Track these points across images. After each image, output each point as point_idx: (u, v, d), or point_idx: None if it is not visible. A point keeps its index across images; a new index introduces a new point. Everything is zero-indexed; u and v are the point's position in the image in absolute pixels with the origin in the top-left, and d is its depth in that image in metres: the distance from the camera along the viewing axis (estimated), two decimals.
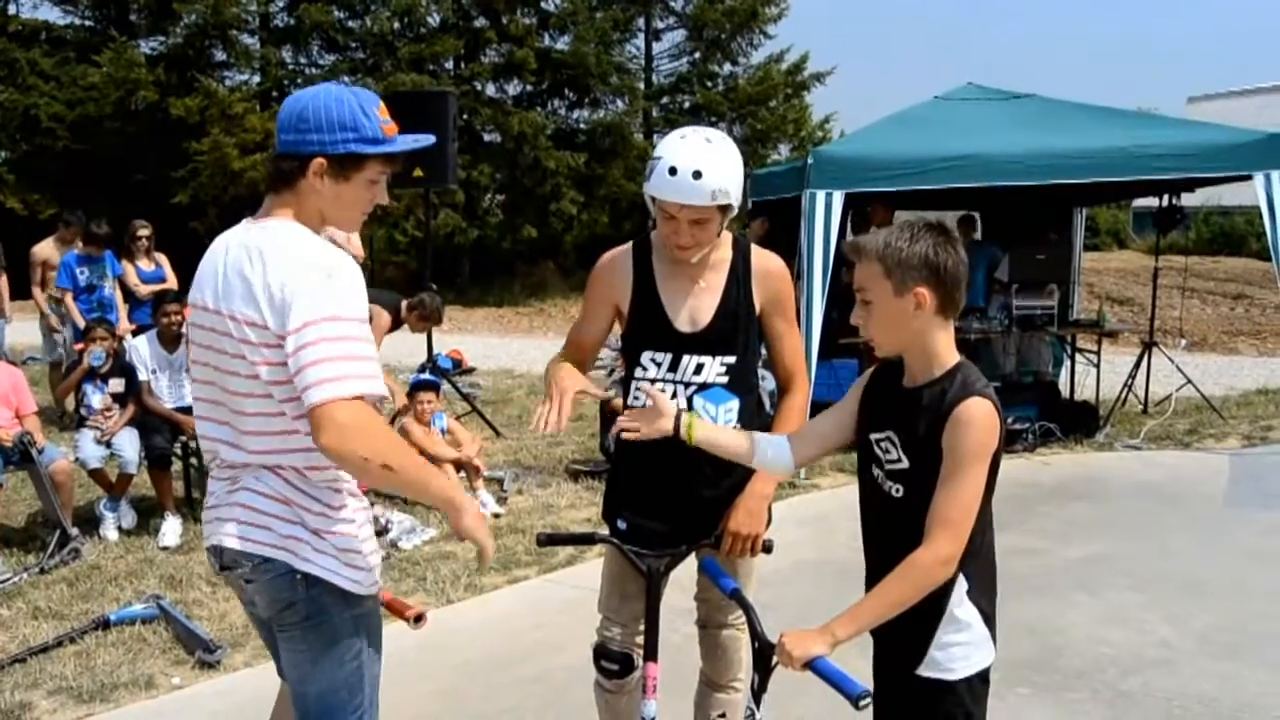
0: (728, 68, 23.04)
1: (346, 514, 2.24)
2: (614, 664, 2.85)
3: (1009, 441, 7.79)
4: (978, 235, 9.74)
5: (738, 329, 2.72)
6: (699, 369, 2.72)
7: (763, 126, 21.95)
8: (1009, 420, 8.04)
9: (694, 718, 3.10)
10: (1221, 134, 7.97)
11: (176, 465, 6.31)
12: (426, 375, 7.03)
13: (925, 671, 2.16)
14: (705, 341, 2.70)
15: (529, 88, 22.18)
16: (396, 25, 21.31)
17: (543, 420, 2.46)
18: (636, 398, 2.74)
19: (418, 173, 8.16)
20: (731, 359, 2.72)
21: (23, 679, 4.13)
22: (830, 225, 7.30)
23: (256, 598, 2.26)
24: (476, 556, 2.42)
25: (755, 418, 2.81)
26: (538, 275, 21.71)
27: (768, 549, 2.76)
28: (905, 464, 2.13)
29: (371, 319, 7.22)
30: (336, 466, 2.13)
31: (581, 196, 20.91)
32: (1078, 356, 9.50)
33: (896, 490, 2.15)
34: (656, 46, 23.50)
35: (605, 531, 2.87)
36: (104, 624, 4.57)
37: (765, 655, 2.20)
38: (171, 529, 5.83)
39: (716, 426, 2.58)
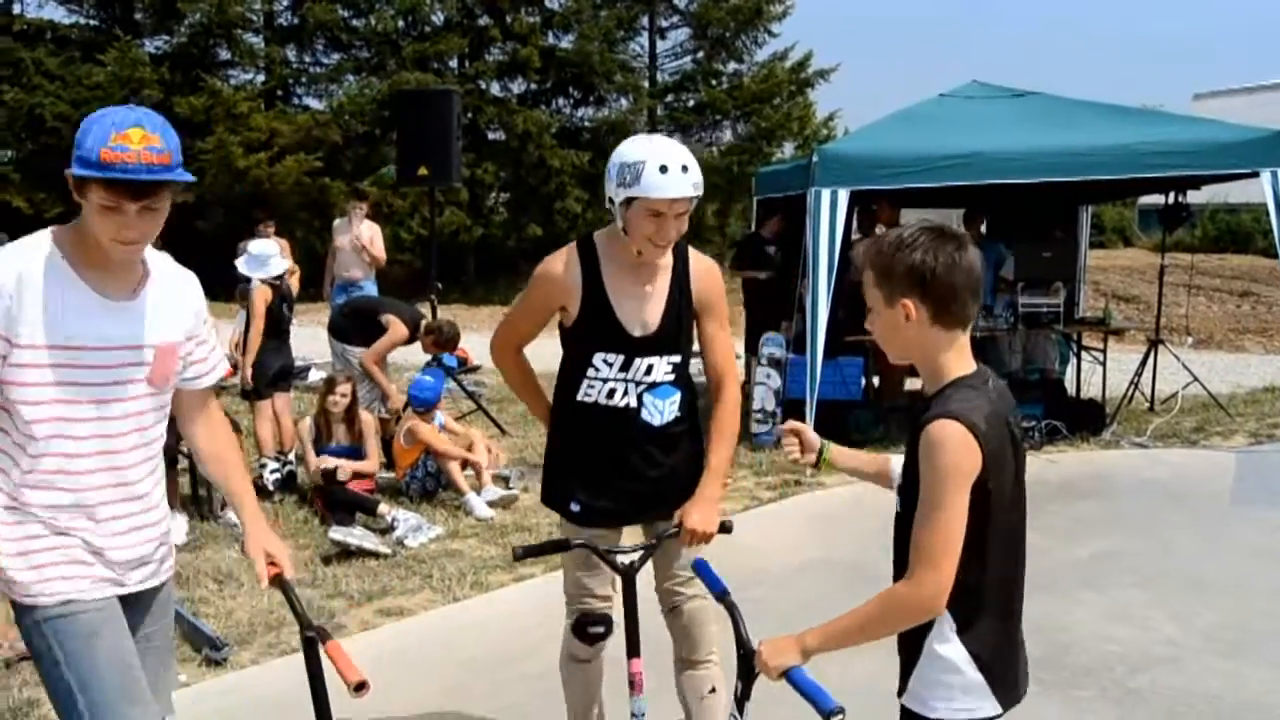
0: (732, 66, 23.02)
1: None
2: (600, 626, 2.98)
3: None
4: (983, 231, 9.72)
5: (681, 330, 2.92)
6: (649, 369, 2.90)
7: (767, 124, 21.91)
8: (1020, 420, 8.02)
9: (683, 701, 3.16)
10: (1227, 131, 7.95)
11: (182, 463, 6.31)
12: (429, 379, 7.03)
13: (906, 700, 2.09)
14: (654, 344, 2.87)
15: (533, 86, 22.18)
16: (401, 24, 21.34)
17: None
18: (588, 394, 2.91)
19: (423, 171, 8.18)
20: (677, 358, 2.92)
21: (30, 676, 4.13)
22: (835, 223, 7.30)
23: None
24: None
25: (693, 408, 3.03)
26: None
27: (727, 529, 2.93)
28: (901, 480, 2.11)
29: (388, 328, 7.22)
30: None
31: (586, 195, 20.90)
32: (1084, 354, 9.48)
33: (897, 505, 2.10)
34: (661, 45, 23.51)
35: (577, 518, 2.99)
36: None
37: (749, 661, 2.16)
38: (178, 527, 5.84)
39: (853, 453, 2.57)
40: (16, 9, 21.47)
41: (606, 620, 3.01)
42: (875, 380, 8.75)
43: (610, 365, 2.87)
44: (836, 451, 2.49)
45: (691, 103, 22.88)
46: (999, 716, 2.04)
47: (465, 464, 6.60)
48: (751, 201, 10.86)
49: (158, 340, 2.36)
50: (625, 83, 22.07)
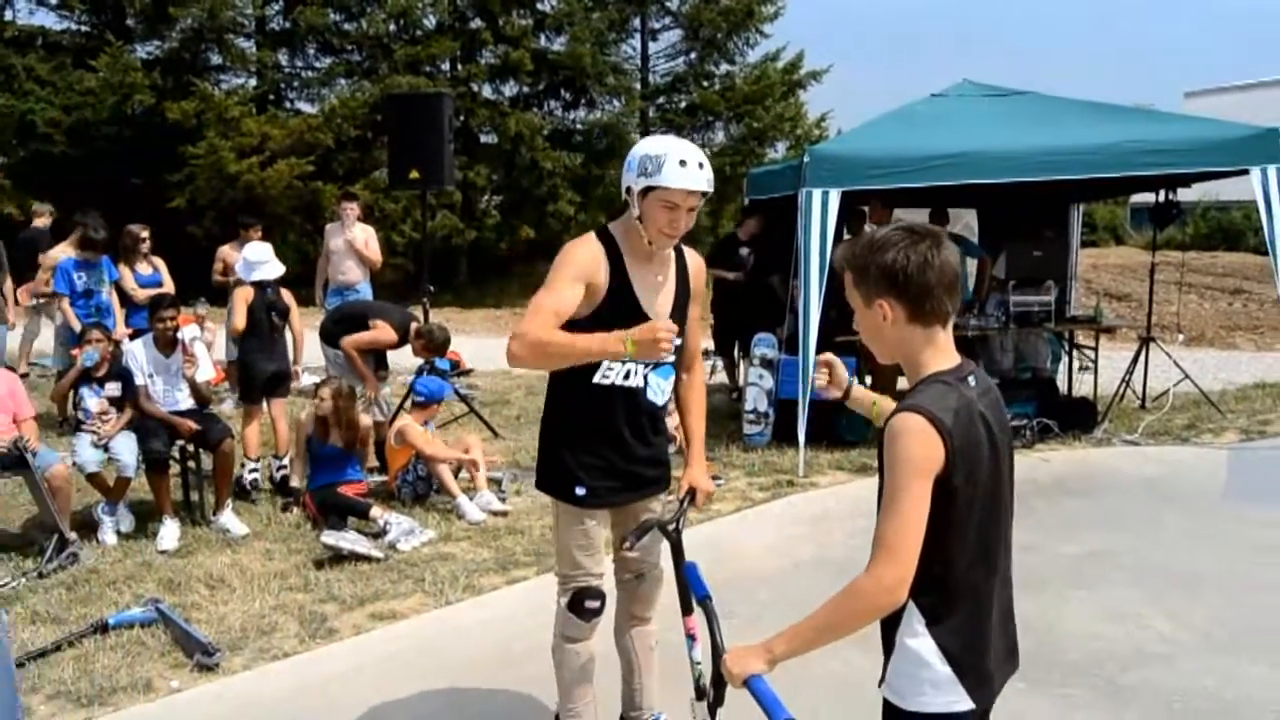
0: (724, 67, 23.01)
1: None
2: (596, 601, 3.20)
3: None
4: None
5: (684, 317, 3.19)
6: None
7: (759, 125, 21.90)
8: (1007, 417, 8.06)
9: (628, 653, 3.45)
10: (1218, 129, 7.96)
11: (174, 469, 6.30)
12: (431, 380, 7.03)
13: (885, 692, 2.11)
14: None
15: (525, 89, 22.16)
16: (392, 27, 21.28)
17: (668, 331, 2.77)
18: (606, 375, 3.08)
19: (414, 174, 8.16)
20: (679, 341, 3.09)
21: (21, 683, 4.12)
22: (827, 223, 7.30)
23: None
24: None
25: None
26: (535, 276, 21.62)
27: (720, 484, 3.33)
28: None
29: (375, 330, 7.21)
30: None
31: (579, 197, 20.89)
32: (1075, 352, 9.49)
33: (878, 500, 2.10)
34: (653, 46, 23.48)
35: (583, 500, 3.16)
36: (102, 628, 4.57)
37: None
38: (170, 533, 5.83)
39: (867, 394, 2.69)
40: (8, 15, 21.44)
41: (602, 596, 3.21)
42: (867, 380, 8.76)
43: (629, 331, 2.98)
44: (858, 391, 2.63)
45: (684, 104, 22.87)
46: (974, 711, 2.05)
47: (460, 468, 6.60)
48: (744, 202, 10.87)
49: None
50: (617, 85, 22.06)
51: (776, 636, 2.04)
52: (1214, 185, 12.56)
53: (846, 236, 8.31)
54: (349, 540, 5.55)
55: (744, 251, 9.34)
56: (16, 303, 9.55)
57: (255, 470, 6.72)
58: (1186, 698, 3.90)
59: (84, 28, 21.71)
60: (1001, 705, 2.22)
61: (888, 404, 2.55)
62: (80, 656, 4.36)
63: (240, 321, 6.66)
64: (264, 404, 6.80)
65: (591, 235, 3.10)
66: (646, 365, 3.09)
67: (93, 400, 6.11)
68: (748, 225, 9.50)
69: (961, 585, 2.02)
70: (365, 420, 6.67)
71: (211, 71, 21.33)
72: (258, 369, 6.69)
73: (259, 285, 6.75)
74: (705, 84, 22.74)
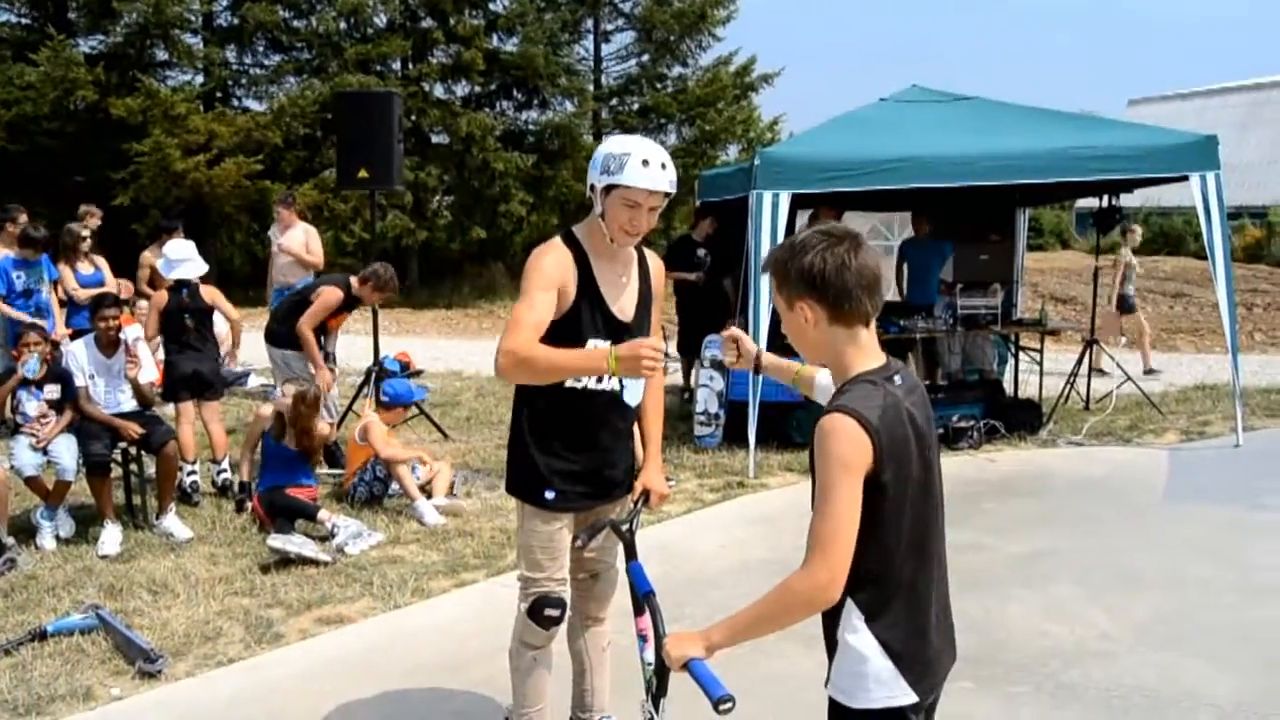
0: (677, 70, 23.03)
1: None
2: (556, 609, 3.18)
3: (954, 440, 7.97)
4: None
5: (648, 316, 3.24)
6: None
7: (712, 128, 21.97)
8: (954, 419, 8.21)
9: (581, 654, 3.46)
10: (1159, 136, 8.14)
11: (116, 472, 6.18)
12: (398, 382, 6.97)
13: (830, 691, 2.13)
14: (633, 328, 3.13)
15: (477, 89, 22.03)
16: (343, 25, 21.05)
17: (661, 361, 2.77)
18: (580, 378, 3.08)
19: (363, 174, 8.06)
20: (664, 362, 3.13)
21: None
22: (777, 226, 7.35)
23: None
24: None
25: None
26: (487, 277, 21.58)
27: (672, 485, 3.18)
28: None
29: (318, 299, 7.09)
30: None
31: (531, 198, 20.81)
32: (1021, 355, 9.64)
33: (812, 501, 2.12)
34: (605, 48, 23.46)
35: (551, 504, 3.16)
36: (41, 635, 4.47)
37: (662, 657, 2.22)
38: (111, 537, 5.72)
39: (781, 362, 2.78)
40: None
41: (563, 604, 3.20)
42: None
43: (614, 347, 2.98)
44: (769, 359, 2.74)
45: (636, 106, 22.88)
46: (918, 704, 2.07)
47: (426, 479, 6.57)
48: (695, 204, 10.90)
49: None
50: (570, 86, 22.01)
51: (714, 625, 2.09)
52: (1156, 191, 12.80)
53: None
54: (296, 544, 5.48)
55: (701, 253, 9.35)
56: None
57: (194, 473, 6.60)
58: (1126, 693, 3.97)
59: (24, 20, 21.24)
60: (947, 704, 2.25)
61: (809, 372, 2.62)
62: (17, 665, 4.26)
63: (151, 330, 6.59)
64: (193, 405, 6.67)
65: (558, 240, 3.12)
66: None
67: (31, 404, 5.97)
68: (702, 226, 9.52)
69: (898, 580, 2.05)
70: (323, 429, 6.56)
71: (157, 68, 20.93)
72: (176, 370, 6.57)
73: (175, 287, 6.65)
74: (658, 86, 22.77)
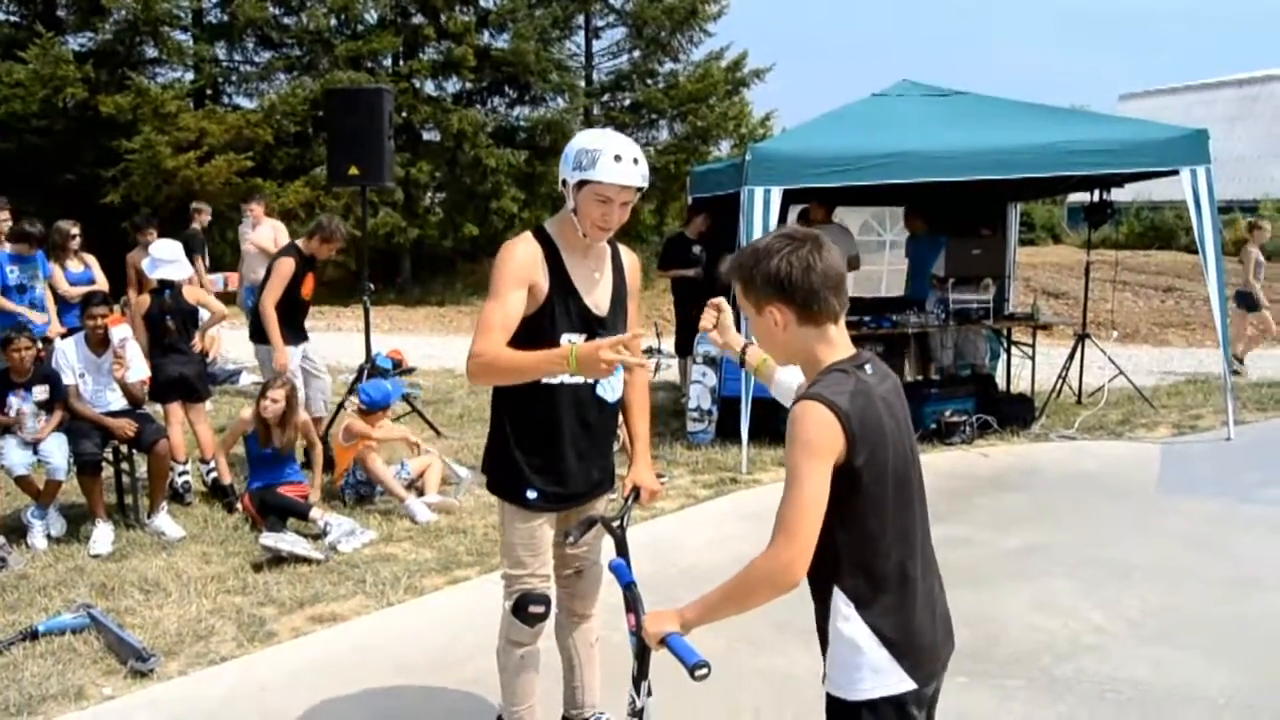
0: (668, 65, 23.02)
1: None
2: (540, 605, 3.18)
3: (946, 434, 7.97)
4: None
5: (623, 311, 3.22)
6: None
7: (703, 124, 21.96)
8: (946, 413, 8.22)
9: (570, 651, 3.46)
10: (1150, 130, 8.14)
11: (107, 471, 6.16)
12: (375, 385, 6.92)
13: (828, 687, 2.13)
14: (608, 323, 3.13)
15: (468, 85, 21.98)
16: (333, 22, 20.99)
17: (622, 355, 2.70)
18: (553, 374, 3.05)
19: (353, 171, 8.03)
20: (633, 359, 3.11)
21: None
22: (769, 221, 7.34)
23: None
24: None
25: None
26: (479, 274, 21.53)
27: (663, 481, 3.28)
28: None
29: (273, 273, 7.05)
30: None
31: (522, 194, 20.78)
32: (1013, 349, 9.65)
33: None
34: (596, 44, 23.43)
35: (532, 504, 3.16)
36: (32, 635, 4.46)
37: (644, 642, 2.25)
38: (103, 536, 5.70)
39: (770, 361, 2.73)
40: None
41: (546, 600, 3.20)
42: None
43: (574, 344, 2.96)
44: (752, 354, 2.70)
45: (628, 102, 22.86)
46: (918, 692, 2.07)
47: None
48: (687, 200, 10.89)
49: None
50: (561, 82, 21.98)
51: (688, 605, 2.14)
52: (1146, 185, 12.83)
53: None
54: (288, 542, 5.47)
55: (696, 249, 9.32)
56: None
57: (185, 473, 6.58)
58: (1119, 687, 3.98)
59: (13, 18, 21.15)
60: (942, 698, 2.24)
61: (770, 367, 2.65)
62: (8, 665, 4.24)
63: (139, 336, 6.57)
64: (180, 407, 6.65)
65: (528, 234, 3.10)
66: None
67: (22, 406, 5.91)
68: (695, 223, 9.49)
69: (885, 567, 2.06)
70: (303, 416, 6.53)
71: (147, 65, 20.85)
72: (161, 372, 6.54)
73: (158, 289, 6.62)
74: (649, 82, 22.74)
